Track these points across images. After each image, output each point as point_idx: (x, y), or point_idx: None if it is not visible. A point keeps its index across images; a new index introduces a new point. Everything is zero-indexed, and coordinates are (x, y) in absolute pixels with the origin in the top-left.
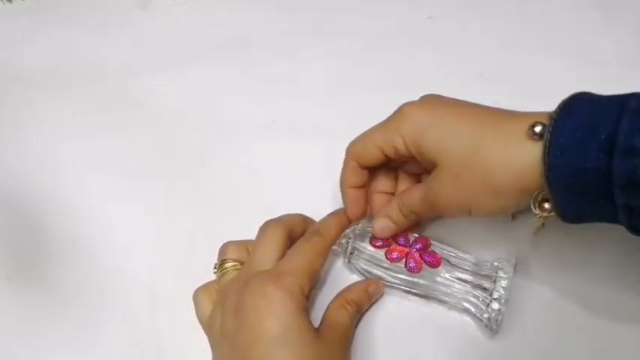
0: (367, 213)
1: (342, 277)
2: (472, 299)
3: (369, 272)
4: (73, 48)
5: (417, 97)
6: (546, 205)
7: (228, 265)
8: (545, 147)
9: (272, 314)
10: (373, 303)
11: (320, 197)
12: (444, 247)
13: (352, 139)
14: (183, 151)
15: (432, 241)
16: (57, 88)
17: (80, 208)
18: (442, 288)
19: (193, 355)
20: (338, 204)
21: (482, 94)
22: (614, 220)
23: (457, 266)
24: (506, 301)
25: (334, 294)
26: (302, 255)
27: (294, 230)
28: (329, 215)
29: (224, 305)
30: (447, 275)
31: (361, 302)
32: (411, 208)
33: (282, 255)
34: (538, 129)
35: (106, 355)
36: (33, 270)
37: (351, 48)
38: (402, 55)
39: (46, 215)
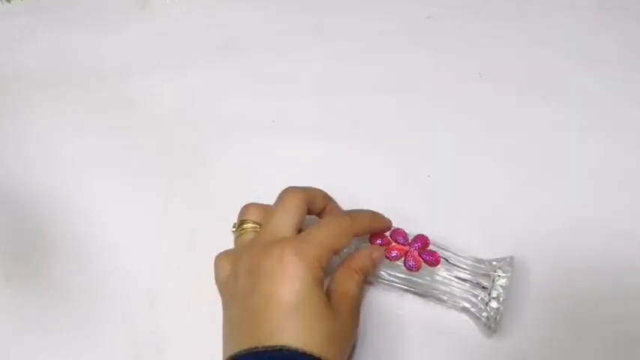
0: None
1: None
2: (471, 298)
3: None
4: (73, 48)
5: (416, 97)
6: None
7: (247, 226)
8: None
9: (288, 282)
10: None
11: None
12: (444, 246)
13: (352, 138)
14: (183, 151)
15: (431, 240)
16: (56, 88)
17: (80, 208)
18: (441, 287)
19: (193, 354)
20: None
21: (481, 93)
22: None
23: (456, 265)
24: (505, 300)
25: None
26: (327, 229)
27: (314, 202)
28: (367, 210)
29: (239, 266)
30: (446, 274)
31: (367, 269)
32: None
33: (300, 223)
34: None
35: (105, 354)
36: (32, 270)
37: (351, 48)
38: (402, 55)
39: (45, 215)
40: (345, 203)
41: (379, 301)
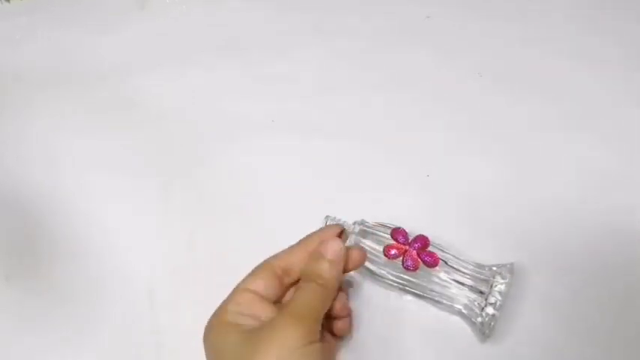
0: None
1: None
2: (467, 302)
3: (366, 267)
4: (72, 48)
5: (416, 97)
6: None
7: None
8: None
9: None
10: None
11: (320, 197)
12: (444, 248)
13: (352, 138)
14: (183, 151)
15: (431, 241)
16: (56, 88)
17: (80, 208)
18: (438, 289)
19: (192, 354)
20: (337, 203)
21: (480, 93)
22: None
23: (455, 268)
24: (502, 306)
25: None
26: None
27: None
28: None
29: None
30: (444, 276)
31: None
32: None
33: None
34: None
35: (105, 354)
36: (32, 270)
37: (351, 48)
38: (401, 55)
39: (45, 215)
40: (345, 203)
41: (376, 301)
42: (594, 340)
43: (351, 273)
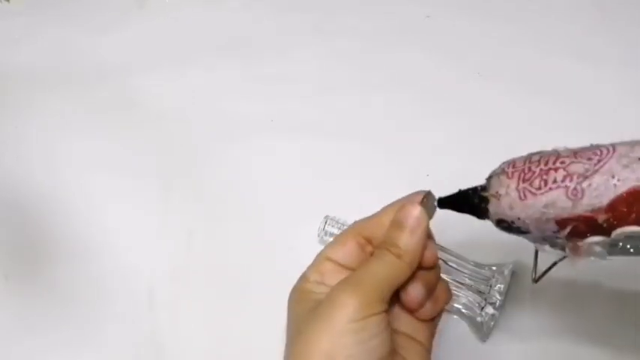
0: None
1: None
2: (467, 302)
3: None
4: (72, 47)
5: (416, 97)
6: None
7: None
8: None
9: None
10: None
11: (319, 196)
12: (443, 248)
13: (351, 138)
14: (183, 151)
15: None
16: (56, 88)
17: (79, 208)
18: None
19: (192, 355)
20: (337, 203)
21: (480, 93)
22: None
23: (455, 268)
24: (501, 306)
25: None
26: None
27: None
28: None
29: None
30: (443, 276)
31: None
32: None
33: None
34: None
35: (104, 354)
36: (31, 269)
37: (351, 48)
38: (401, 55)
39: (44, 215)
40: (345, 203)
41: None
42: (594, 340)
43: None
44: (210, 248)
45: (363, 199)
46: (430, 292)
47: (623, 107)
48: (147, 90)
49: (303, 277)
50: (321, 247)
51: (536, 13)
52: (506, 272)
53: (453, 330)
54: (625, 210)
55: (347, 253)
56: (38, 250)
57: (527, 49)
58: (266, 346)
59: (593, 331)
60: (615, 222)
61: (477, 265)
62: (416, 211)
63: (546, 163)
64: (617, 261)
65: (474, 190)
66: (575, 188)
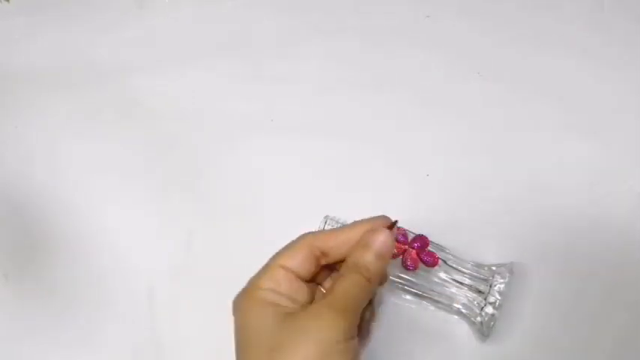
0: None
1: None
2: (466, 302)
3: None
4: (72, 47)
5: (416, 96)
6: None
7: None
8: None
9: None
10: None
11: (319, 196)
12: (444, 248)
13: (351, 138)
14: (183, 151)
15: (431, 241)
16: (55, 88)
17: (79, 208)
18: (438, 288)
19: (192, 355)
20: (337, 203)
21: (480, 93)
22: None
23: (454, 268)
24: (501, 306)
25: None
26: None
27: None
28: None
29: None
30: (443, 276)
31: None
32: None
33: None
34: None
35: (104, 354)
36: (31, 269)
37: (350, 48)
38: (401, 55)
39: (44, 215)
40: (345, 203)
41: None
42: (594, 340)
43: None
44: (210, 248)
45: (363, 199)
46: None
47: (623, 107)
48: (147, 90)
49: (254, 284)
50: None
51: (536, 13)
52: (506, 272)
53: (453, 330)
54: None
55: (300, 262)
56: (38, 250)
57: (527, 49)
58: None
59: (593, 331)
60: None
61: (477, 265)
62: (386, 237)
63: None
64: (618, 262)
65: None
66: None
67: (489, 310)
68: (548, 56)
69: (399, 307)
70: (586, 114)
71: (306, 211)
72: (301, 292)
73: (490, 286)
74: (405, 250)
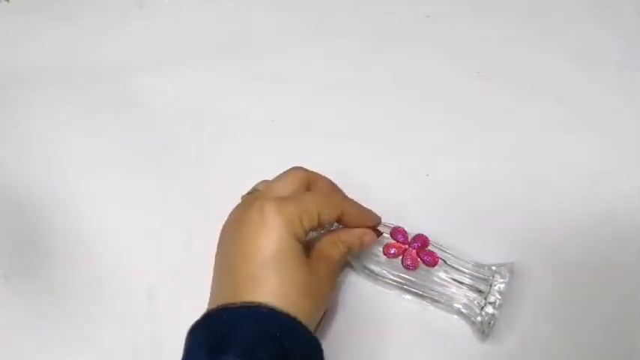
0: None
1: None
2: (467, 302)
3: (366, 267)
4: (72, 47)
5: (416, 96)
6: None
7: (253, 193)
8: None
9: (266, 234)
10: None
11: None
12: (444, 247)
13: (351, 138)
14: (182, 151)
15: (431, 241)
16: (55, 88)
17: (78, 208)
18: (437, 288)
19: None
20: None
21: (479, 92)
22: None
23: (454, 268)
24: (501, 306)
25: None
26: (315, 196)
27: (315, 183)
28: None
29: (226, 221)
30: (443, 276)
31: (353, 245)
32: None
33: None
34: None
35: (103, 354)
36: (30, 269)
37: (350, 47)
38: (401, 55)
39: (44, 214)
40: None
41: (375, 300)
42: (594, 340)
43: (351, 273)
44: (210, 248)
45: (363, 199)
46: None
47: (623, 107)
48: (147, 90)
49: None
50: None
51: (537, 13)
52: (506, 272)
53: (453, 330)
54: None
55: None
56: (38, 250)
57: (527, 50)
58: None
59: (593, 331)
60: None
61: (477, 264)
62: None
63: None
64: (618, 262)
65: None
66: None
67: (489, 309)
68: (549, 56)
69: (399, 307)
70: (586, 113)
71: None
72: None
73: (490, 286)
74: (405, 250)
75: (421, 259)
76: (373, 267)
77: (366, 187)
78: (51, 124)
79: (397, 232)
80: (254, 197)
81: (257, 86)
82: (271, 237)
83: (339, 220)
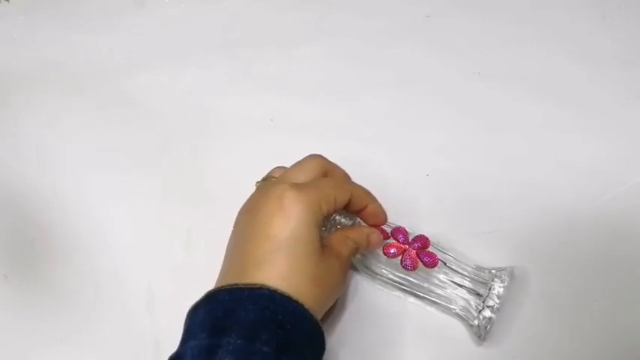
0: None
1: None
2: (464, 304)
3: (366, 266)
4: (71, 47)
5: (416, 96)
6: None
7: (268, 180)
8: None
9: (283, 219)
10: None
11: None
12: (444, 248)
13: (351, 137)
14: (181, 150)
15: (431, 242)
16: (54, 87)
17: (78, 207)
18: (436, 289)
19: None
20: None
21: (479, 93)
22: None
23: (454, 270)
24: (499, 309)
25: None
26: (329, 181)
27: (333, 172)
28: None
29: (242, 207)
30: (442, 277)
31: (360, 244)
32: None
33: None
34: None
35: (103, 354)
36: (30, 269)
37: (350, 47)
38: (401, 54)
39: (43, 214)
40: None
41: (373, 300)
42: (593, 345)
43: (350, 272)
44: (209, 248)
45: None
46: None
47: (623, 107)
48: (147, 89)
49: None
50: None
51: (535, 12)
52: (506, 276)
53: (450, 332)
54: None
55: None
56: (38, 250)
57: (526, 49)
58: None
59: (593, 335)
60: None
61: (477, 267)
62: (377, 237)
63: None
64: (618, 266)
65: None
66: None
67: (487, 313)
68: (548, 56)
69: (397, 308)
70: (586, 113)
71: None
72: None
73: (489, 290)
74: (405, 250)
75: (421, 260)
76: (373, 266)
77: (366, 187)
78: (51, 123)
79: (398, 231)
80: (271, 183)
81: (257, 86)
82: (289, 222)
83: (348, 205)
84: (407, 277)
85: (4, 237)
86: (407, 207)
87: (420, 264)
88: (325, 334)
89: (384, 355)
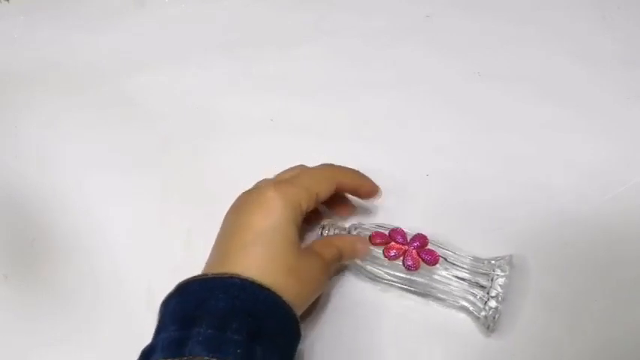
0: None
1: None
2: (470, 297)
3: (367, 270)
4: (71, 47)
5: (415, 96)
6: None
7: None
8: None
9: (263, 213)
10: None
11: None
12: (442, 245)
13: (350, 137)
14: (181, 150)
15: (430, 239)
16: (54, 87)
17: (78, 207)
18: (440, 286)
19: None
20: None
21: (479, 92)
22: None
23: (455, 264)
24: (504, 299)
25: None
26: (310, 173)
27: (344, 182)
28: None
29: (230, 206)
30: (444, 273)
31: (344, 250)
32: None
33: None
34: None
35: (103, 353)
36: (30, 269)
37: (350, 46)
38: (401, 54)
39: (43, 214)
40: None
41: (379, 303)
42: (597, 332)
43: (351, 274)
44: (207, 247)
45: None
46: None
47: (623, 107)
48: (146, 89)
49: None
50: None
51: (535, 12)
52: (506, 265)
53: (458, 326)
54: None
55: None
56: (38, 250)
57: (526, 49)
58: None
59: (597, 322)
60: None
61: (477, 259)
62: (365, 247)
63: None
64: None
65: None
66: None
67: (493, 303)
68: (548, 56)
69: (403, 307)
70: (586, 113)
71: None
72: None
73: (492, 280)
74: (405, 251)
75: (422, 259)
76: (374, 270)
77: None
78: (50, 123)
79: (396, 233)
80: (259, 182)
81: (257, 86)
82: (268, 216)
83: (337, 191)
84: (410, 277)
85: (4, 237)
86: (407, 207)
87: (422, 263)
88: (327, 344)
89: (393, 354)
